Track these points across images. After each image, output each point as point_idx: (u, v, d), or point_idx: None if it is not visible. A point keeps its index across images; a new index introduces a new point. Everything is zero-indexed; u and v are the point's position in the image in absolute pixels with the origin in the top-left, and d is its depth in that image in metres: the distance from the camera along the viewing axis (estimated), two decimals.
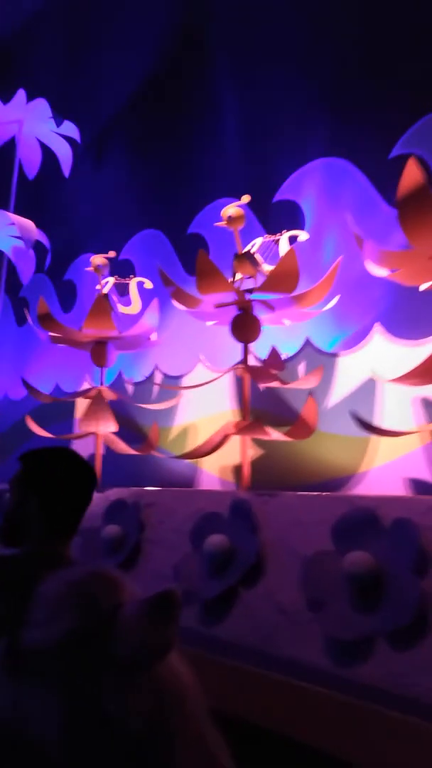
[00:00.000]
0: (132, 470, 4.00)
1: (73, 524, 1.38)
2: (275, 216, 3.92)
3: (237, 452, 3.38)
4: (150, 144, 5.55)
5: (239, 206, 3.31)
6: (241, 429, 2.83)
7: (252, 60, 4.41)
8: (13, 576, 1.21)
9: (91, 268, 3.92)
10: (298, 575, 2.17)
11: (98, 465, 3.73)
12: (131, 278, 4.15)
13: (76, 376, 4.82)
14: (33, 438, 4.87)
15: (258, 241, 3.43)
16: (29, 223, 4.39)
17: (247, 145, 4.47)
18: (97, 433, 3.66)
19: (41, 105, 5.12)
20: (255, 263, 3.12)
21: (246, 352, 3.12)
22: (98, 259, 3.92)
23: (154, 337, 3.83)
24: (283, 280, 2.81)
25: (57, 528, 1.34)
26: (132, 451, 3.69)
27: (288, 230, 3.31)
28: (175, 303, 3.29)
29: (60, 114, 5.28)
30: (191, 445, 3.78)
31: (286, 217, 3.82)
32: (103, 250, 5.43)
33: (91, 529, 3.18)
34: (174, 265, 4.78)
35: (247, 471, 2.97)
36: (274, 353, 3.32)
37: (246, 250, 3.35)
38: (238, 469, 3.44)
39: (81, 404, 4.60)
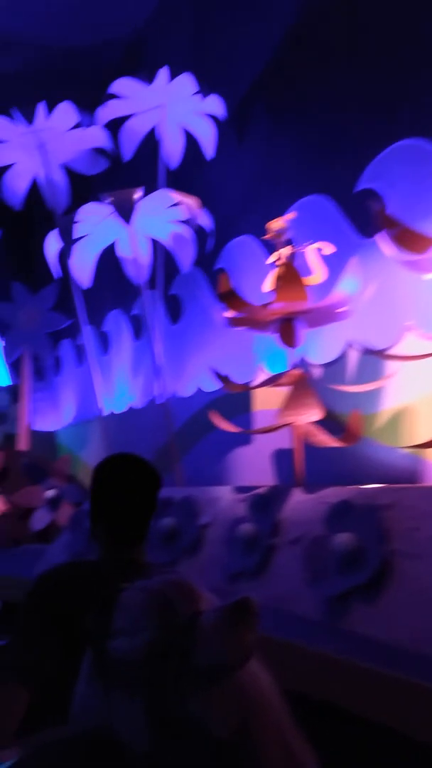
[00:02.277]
0: (331, 466, 3.36)
1: (138, 530, 1.32)
2: None
3: None
4: (297, 104, 4.91)
5: None
6: None
7: None
8: (91, 584, 1.16)
9: (270, 235, 3.34)
10: None
11: (299, 460, 3.13)
12: (308, 245, 3.51)
13: (246, 365, 4.29)
14: (210, 434, 4.43)
15: None
16: (195, 201, 3.92)
17: (411, 79, 3.66)
18: (294, 425, 3.06)
19: (185, 81, 4.68)
20: None
21: None
22: (278, 223, 3.33)
23: (347, 307, 3.15)
24: None
25: (119, 534, 1.30)
26: (337, 444, 3.04)
27: None
28: (390, 252, 2.59)
29: (201, 89, 4.82)
30: (409, 431, 3.04)
31: None
32: (258, 230, 4.88)
33: (313, 539, 2.58)
34: (344, 229, 4.08)
35: None
36: None
37: None
38: None
39: (259, 394, 4.05)
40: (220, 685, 0.69)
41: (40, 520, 4.89)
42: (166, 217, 4.25)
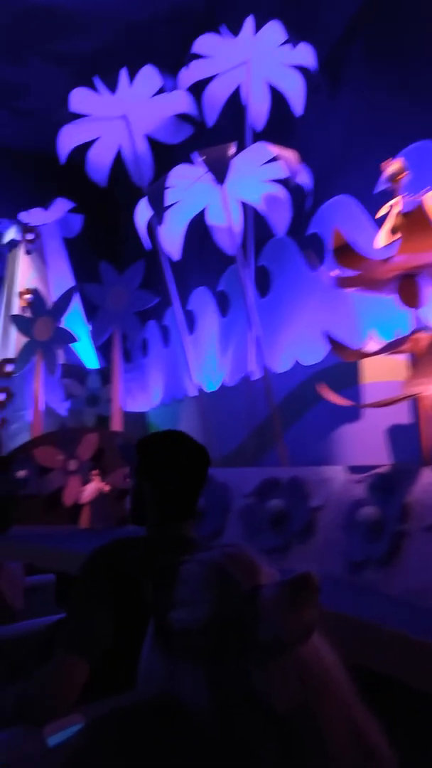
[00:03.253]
0: None
1: (188, 507, 1.32)
2: None
3: None
4: (396, 46, 4.37)
5: None
6: None
7: None
8: (145, 559, 1.18)
9: (388, 173, 2.92)
10: None
11: (426, 436, 2.73)
12: (426, 192, 3.05)
13: (352, 333, 3.90)
14: (311, 411, 4.10)
15: None
16: (294, 155, 3.53)
17: None
18: (420, 396, 2.66)
19: (273, 30, 4.28)
20: None
21: None
22: (395, 165, 2.90)
23: None
24: None
25: (172, 511, 1.30)
26: None
27: None
28: None
29: (290, 38, 4.39)
30: None
31: None
32: (356, 189, 4.42)
33: None
34: None
35: None
36: None
37: None
38: None
39: (368, 365, 3.66)
40: (280, 660, 0.68)
41: None
42: (259, 176, 3.89)
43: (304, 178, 3.73)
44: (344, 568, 2.65)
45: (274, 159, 3.64)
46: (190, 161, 4.03)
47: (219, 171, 3.26)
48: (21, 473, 5.16)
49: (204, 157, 3.39)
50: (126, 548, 1.24)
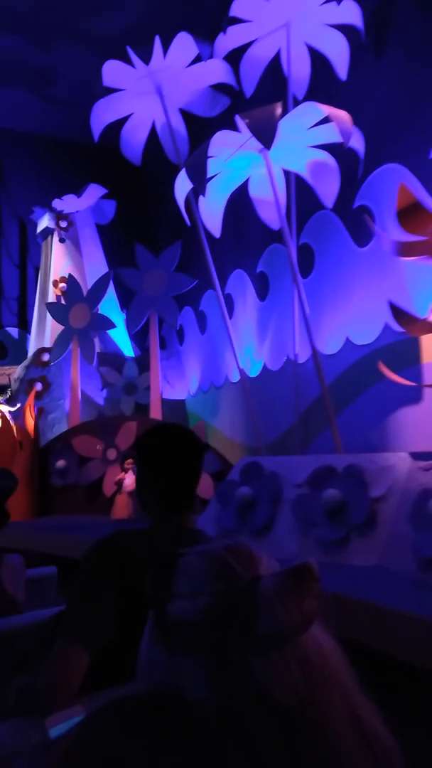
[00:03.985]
0: None
1: (184, 498, 1.33)
2: None
3: None
4: None
5: None
6: None
7: None
8: (146, 550, 1.21)
9: None
10: None
11: None
12: None
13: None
14: (363, 394, 3.82)
15: None
16: (346, 117, 3.19)
17: None
18: None
19: None
20: None
21: None
22: None
23: None
24: None
25: (171, 503, 1.33)
26: None
27: None
28: None
29: None
30: None
31: None
32: (407, 157, 4.09)
33: None
34: None
35: None
36: None
37: None
38: None
39: (428, 343, 3.35)
40: (280, 652, 0.66)
41: None
42: (306, 141, 3.58)
43: (358, 143, 3.39)
44: (413, 564, 2.40)
45: (322, 122, 3.33)
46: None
47: (265, 135, 2.97)
48: (60, 463, 5.06)
49: (247, 121, 3.11)
50: (127, 540, 1.26)
